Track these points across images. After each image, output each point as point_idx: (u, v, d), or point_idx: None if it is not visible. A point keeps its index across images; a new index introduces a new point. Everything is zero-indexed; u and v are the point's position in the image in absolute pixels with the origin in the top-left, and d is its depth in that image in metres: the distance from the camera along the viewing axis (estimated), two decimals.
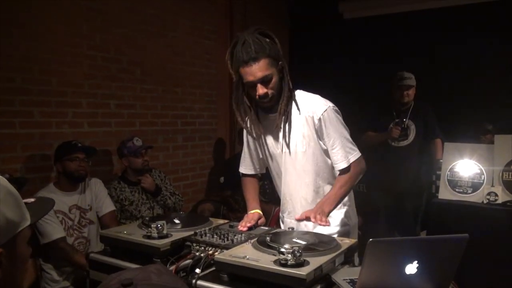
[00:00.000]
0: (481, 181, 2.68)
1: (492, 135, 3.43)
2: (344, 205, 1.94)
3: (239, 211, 3.41)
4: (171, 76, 3.82)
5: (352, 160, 1.81)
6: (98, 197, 2.77)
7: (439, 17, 4.44)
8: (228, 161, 4.23)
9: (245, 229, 1.71)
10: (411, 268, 1.19)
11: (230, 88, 4.16)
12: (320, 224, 1.65)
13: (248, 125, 1.90)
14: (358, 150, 1.85)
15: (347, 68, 4.74)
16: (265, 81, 1.72)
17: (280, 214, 2.09)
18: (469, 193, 2.70)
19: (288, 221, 1.99)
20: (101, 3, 3.17)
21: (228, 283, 1.33)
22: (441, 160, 2.92)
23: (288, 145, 1.86)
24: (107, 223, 2.72)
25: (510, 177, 2.60)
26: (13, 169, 2.65)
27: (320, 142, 1.84)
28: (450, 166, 2.79)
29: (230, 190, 3.73)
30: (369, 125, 3.83)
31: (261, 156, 2.03)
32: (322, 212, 1.70)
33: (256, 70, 1.70)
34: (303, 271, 1.21)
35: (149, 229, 1.56)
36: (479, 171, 2.70)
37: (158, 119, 3.71)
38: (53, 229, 2.45)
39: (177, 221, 1.73)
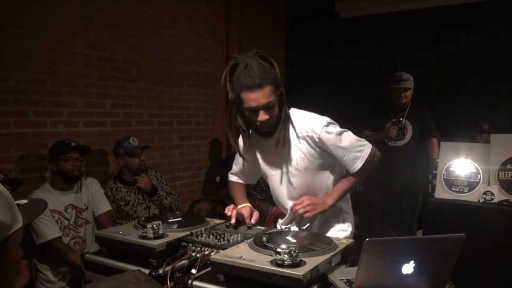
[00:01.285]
0: (477, 180, 2.68)
1: (488, 134, 3.44)
2: (344, 212, 1.95)
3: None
4: (168, 76, 3.80)
5: (366, 157, 1.79)
6: (94, 197, 2.76)
7: (436, 16, 4.45)
8: (224, 160, 4.22)
9: (232, 218, 1.75)
10: (408, 268, 1.19)
11: (227, 88, 4.14)
12: (296, 214, 1.73)
13: (241, 147, 1.90)
14: (367, 143, 1.83)
15: (343, 67, 4.74)
16: (267, 107, 1.71)
17: (283, 227, 2.08)
18: (466, 192, 2.70)
19: None
20: (97, 2, 3.15)
21: (224, 283, 1.33)
22: (437, 159, 2.92)
23: (285, 166, 1.85)
24: (104, 223, 2.71)
25: (506, 176, 2.60)
26: (8, 169, 2.63)
27: (320, 160, 1.82)
28: (447, 165, 2.79)
29: (226, 189, 3.71)
30: (366, 124, 3.83)
31: (254, 172, 2.04)
32: (319, 204, 1.76)
33: (260, 96, 1.67)
34: (299, 271, 1.21)
35: (145, 229, 1.55)
36: (475, 170, 2.70)
37: (154, 118, 3.70)
38: (49, 229, 2.43)
39: (173, 221, 1.72)
